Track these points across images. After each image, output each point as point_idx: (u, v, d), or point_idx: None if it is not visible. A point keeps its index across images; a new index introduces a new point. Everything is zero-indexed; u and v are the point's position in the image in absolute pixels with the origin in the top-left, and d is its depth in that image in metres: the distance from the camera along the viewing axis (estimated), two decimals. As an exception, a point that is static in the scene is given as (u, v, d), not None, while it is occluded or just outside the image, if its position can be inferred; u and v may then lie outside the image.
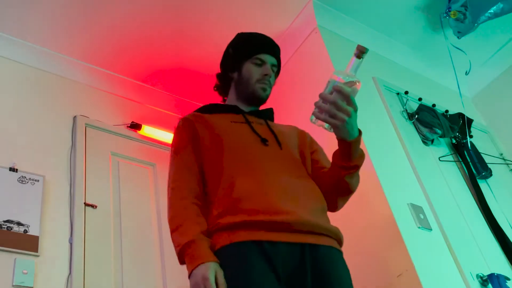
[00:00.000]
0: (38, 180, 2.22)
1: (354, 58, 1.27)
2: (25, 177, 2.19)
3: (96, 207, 2.33)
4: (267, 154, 1.43)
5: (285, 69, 2.85)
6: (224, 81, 1.67)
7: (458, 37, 2.83)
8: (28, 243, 2.01)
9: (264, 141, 1.46)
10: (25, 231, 2.04)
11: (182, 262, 1.29)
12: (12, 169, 2.18)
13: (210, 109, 1.60)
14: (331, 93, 1.24)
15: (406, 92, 2.71)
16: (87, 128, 2.60)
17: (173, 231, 1.31)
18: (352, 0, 2.71)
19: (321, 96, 1.25)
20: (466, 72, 2.98)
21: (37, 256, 2.02)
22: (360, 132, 1.34)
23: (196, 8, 2.59)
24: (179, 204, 1.35)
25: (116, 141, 2.69)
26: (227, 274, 1.21)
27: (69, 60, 2.75)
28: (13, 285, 1.88)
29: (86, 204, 2.30)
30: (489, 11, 2.72)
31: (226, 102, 1.66)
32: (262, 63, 1.60)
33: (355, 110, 1.27)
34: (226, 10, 2.61)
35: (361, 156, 1.40)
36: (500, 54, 3.27)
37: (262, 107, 1.66)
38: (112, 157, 2.60)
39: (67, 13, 2.49)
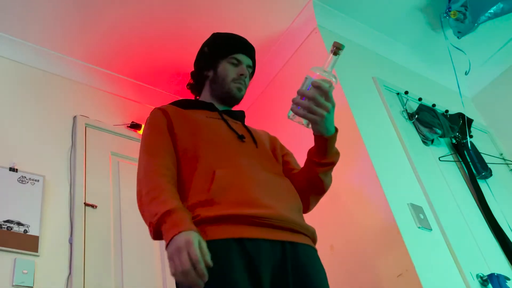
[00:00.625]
0: (38, 180, 2.22)
1: (331, 55, 1.29)
2: (25, 177, 2.19)
3: (96, 207, 2.33)
4: (244, 150, 1.43)
5: (285, 69, 2.86)
6: (198, 80, 1.66)
7: (458, 37, 2.84)
8: (28, 243, 2.01)
9: (241, 137, 1.46)
10: (25, 231, 2.04)
11: (156, 235, 1.20)
12: (12, 169, 2.18)
13: (184, 104, 1.58)
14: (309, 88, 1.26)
15: (406, 92, 2.71)
16: (87, 128, 2.60)
17: (148, 203, 1.22)
18: (352, 0, 2.71)
19: (299, 92, 1.26)
20: (466, 72, 2.98)
21: (37, 256, 2.02)
22: (336, 129, 1.36)
23: (196, 9, 2.59)
24: (157, 179, 1.28)
25: (116, 141, 2.69)
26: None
27: (69, 60, 2.75)
28: (13, 285, 1.88)
29: (86, 204, 2.30)
30: (489, 11, 2.72)
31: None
32: (238, 63, 1.60)
33: (333, 105, 1.29)
34: (226, 10, 2.61)
35: (337, 153, 1.42)
36: (500, 54, 3.27)
37: (234, 108, 1.66)
38: (112, 157, 2.60)
39: (67, 13, 2.49)
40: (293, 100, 1.27)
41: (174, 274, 1.11)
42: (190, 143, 1.40)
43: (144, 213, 1.26)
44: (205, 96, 1.63)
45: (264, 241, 1.23)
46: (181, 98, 1.65)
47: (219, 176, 1.30)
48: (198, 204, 1.27)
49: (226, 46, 1.62)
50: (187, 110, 1.52)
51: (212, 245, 1.18)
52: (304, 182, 1.45)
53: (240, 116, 1.62)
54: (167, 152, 1.38)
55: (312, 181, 1.43)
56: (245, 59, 1.62)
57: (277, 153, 1.56)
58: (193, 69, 1.71)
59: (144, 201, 1.26)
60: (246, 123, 1.62)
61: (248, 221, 1.24)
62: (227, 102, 1.60)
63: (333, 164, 1.42)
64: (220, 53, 1.61)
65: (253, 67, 1.66)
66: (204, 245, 1.12)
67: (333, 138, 1.35)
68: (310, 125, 1.30)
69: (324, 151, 1.37)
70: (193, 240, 1.10)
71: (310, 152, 1.42)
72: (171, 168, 1.34)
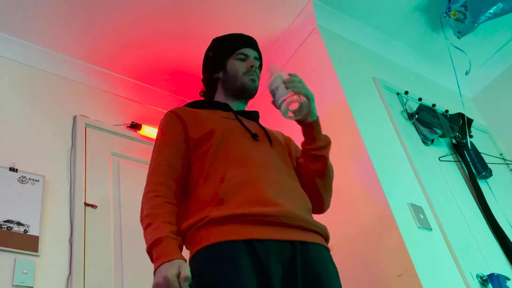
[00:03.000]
0: (38, 180, 2.22)
1: (274, 74, 1.43)
2: (25, 177, 2.19)
3: (96, 207, 2.33)
4: (258, 149, 1.44)
5: (285, 69, 2.85)
6: (210, 84, 1.66)
7: (458, 37, 2.83)
8: (28, 243, 2.01)
9: (254, 136, 1.47)
10: (25, 231, 2.04)
11: (152, 260, 1.25)
12: (12, 169, 2.18)
13: (199, 105, 1.60)
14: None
15: (406, 92, 2.71)
16: (87, 128, 2.60)
17: (144, 229, 1.29)
18: (352, 0, 2.71)
19: (284, 81, 1.38)
20: (466, 72, 2.98)
21: (37, 256, 2.02)
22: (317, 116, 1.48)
23: (196, 9, 2.59)
24: (152, 202, 1.32)
25: (116, 141, 2.69)
26: (213, 275, 1.18)
27: (69, 60, 2.75)
28: (13, 285, 1.88)
29: (86, 204, 2.30)
30: (489, 11, 2.72)
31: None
32: (246, 57, 1.62)
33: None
34: (226, 10, 2.61)
35: (326, 137, 1.50)
36: (500, 54, 3.26)
37: (247, 109, 1.67)
38: (112, 157, 2.60)
39: (68, 13, 2.49)
40: (285, 88, 1.37)
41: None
42: (204, 146, 1.41)
43: (144, 236, 1.31)
44: (219, 98, 1.63)
45: (274, 242, 1.23)
46: (196, 100, 1.66)
47: (229, 176, 1.31)
48: (208, 205, 1.28)
49: (230, 44, 1.64)
50: (202, 111, 1.53)
51: (220, 247, 1.20)
52: (309, 172, 1.49)
53: (254, 116, 1.63)
54: (171, 167, 1.39)
55: (315, 166, 1.49)
56: (251, 52, 1.63)
57: (291, 154, 1.58)
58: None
59: (143, 225, 1.31)
60: None
61: (257, 220, 1.24)
62: (243, 96, 1.61)
63: (328, 145, 1.50)
64: (226, 52, 1.63)
65: (260, 58, 1.68)
66: (183, 269, 1.15)
67: (318, 121, 1.46)
68: (301, 113, 1.40)
69: (315, 136, 1.47)
70: (170, 276, 1.13)
71: (303, 144, 1.51)
72: (171, 186, 1.36)
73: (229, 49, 1.63)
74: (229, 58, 1.61)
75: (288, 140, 1.65)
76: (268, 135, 1.52)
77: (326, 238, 1.39)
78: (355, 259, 2.00)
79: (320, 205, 1.52)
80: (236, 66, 1.60)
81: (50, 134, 2.46)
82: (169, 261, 1.16)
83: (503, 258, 2.30)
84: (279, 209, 1.27)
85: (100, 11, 2.51)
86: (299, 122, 1.47)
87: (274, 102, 1.41)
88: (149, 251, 1.23)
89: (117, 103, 2.87)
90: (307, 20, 2.69)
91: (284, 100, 1.35)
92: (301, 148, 1.53)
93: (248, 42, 1.66)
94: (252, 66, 1.59)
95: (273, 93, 1.40)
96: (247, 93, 1.61)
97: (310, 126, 1.45)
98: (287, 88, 1.35)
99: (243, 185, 1.30)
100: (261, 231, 1.23)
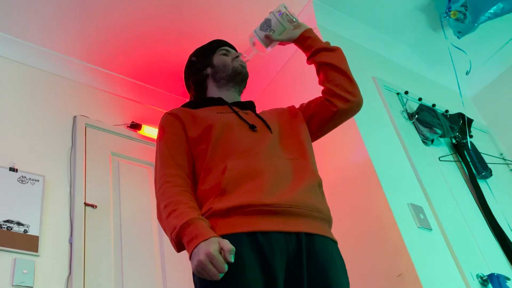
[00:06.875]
0: (38, 180, 2.22)
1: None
2: (25, 177, 2.19)
3: (96, 207, 2.33)
4: (257, 139, 1.44)
5: (285, 69, 2.86)
6: (199, 83, 1.67)
7: (458, 37, 2.83)
8: (28, 243, 2.01)
9: (252, 127, 1.47)
10: (25, 231, 2.04)
11: (179, 247, 1.23)
12: (12, 169, 2.18)
13: (194, 104, 1.61)
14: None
15: (406, 92, 2.71)
16: (87, 128, 2.60)
17: (167, 217, 1.25)
18: (352, 0, 2.71)
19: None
20: (466, 72, 2.98)
21: (37, 256, 2.02)
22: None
23: (196, 9, 2.59)
24: (171, 191, 1.31)
25: (116, 141, 2.69)
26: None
27: (69, 60, 2.75)
28: (13, 285, 1.88)
29: (86, 204, 2.30)
30: (489, 11, 2.72)
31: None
32: (228, 52, 1.69)
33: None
34: (226, 10, 2.61)
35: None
36: (500, 54, 3.27)
37: (242, 99, 1.68)
38: (112, 157, 2.60)
39: (67, 13, 2.49)
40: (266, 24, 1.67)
41: (206, 281, 1.17)
42: (204, 142, 1.41)
43: (164, 227, 1.29)
44: (212, 93, 1.64)
45: (278, 233, 1.23)
46: (190, 101, 1.67)
47: (230, 167, 1.31)
48: (210, 196, 1.29)
49: (211, 45, 1.72)
50: (197, 110, 1.54)
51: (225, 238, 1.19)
52: (324, 72, 1.62)
53: (250, 105, 1.63)
54: (180, 158, 1.40)
55: (327, 70, 1.61)
56: (231, 50, 1.71)
57: (298, 116, 1.61)
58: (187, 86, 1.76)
59: (163, 216, 1.28)
60: None
61: (260, 211, 1.24)
62: (236, 81, 1.64)
63: (328, 43, 1.65)
64: (210, 51, 1.69)
65: None
66: (225, 244, 1.15)
67: (313, 32, 1.70)
68: (291, 15, 1.66)
69: (316, 38, 1.65)
70: (213, 252, 1.12)
71: (308, 57, 1.66)
72: (185, 177, 1.37)
73: (212, 48, 1.70)
74: (213, 55, 1.67)
75: (291, 109, 1.67)
76: (266, 123, 1.51)
77: (329, 221, 1.38)
78: (355, 259, 2.00)
79: (349, 87, 1.59)
80: (222, 58, 1.66)
81: (50, 134, 2.46)
82: (206, 239, 1.14)
83: (503, 258, 2.30)
84: (281, 197, 1.27)
85: (100, 11, 2.51)
86: (300, 40, 1.68)
87: (274, 25, 1.69)
88: (177, 236, 1.20)
89: (117, 103, 2.87)
90: (307, 20, 2.69)
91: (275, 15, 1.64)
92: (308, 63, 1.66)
93: (226, 43, 1.74)
94: (237, 56, 1.66)
95: (266, 31, 1.65)
96: (240, 76, 1.64)
97: (305, 33, 1.68)
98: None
99: (244, 175, 1.30)
100: (265, 223, 1.23)
